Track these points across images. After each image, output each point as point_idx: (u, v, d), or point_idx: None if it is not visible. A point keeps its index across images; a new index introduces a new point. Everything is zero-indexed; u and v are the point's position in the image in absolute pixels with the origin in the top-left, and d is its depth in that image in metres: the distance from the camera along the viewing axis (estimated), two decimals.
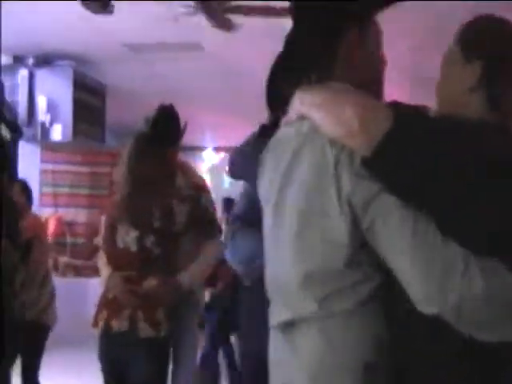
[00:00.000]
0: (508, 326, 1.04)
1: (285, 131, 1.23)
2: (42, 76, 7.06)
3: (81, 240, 8.60)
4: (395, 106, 1.11)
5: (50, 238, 8.35)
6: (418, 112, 1.15)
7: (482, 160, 1.03)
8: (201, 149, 11.12)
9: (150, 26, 5.86)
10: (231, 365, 5.51)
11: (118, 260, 2.73)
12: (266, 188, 1.26)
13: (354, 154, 1.07)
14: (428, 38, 5.42)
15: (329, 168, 1.08)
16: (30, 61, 7.03)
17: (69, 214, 8.70)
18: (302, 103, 1.16)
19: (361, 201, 1.06)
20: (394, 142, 1.03)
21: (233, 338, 5.55)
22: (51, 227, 8.48)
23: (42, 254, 4.09)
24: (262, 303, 1.45)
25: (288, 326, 1.17)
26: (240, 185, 2.36)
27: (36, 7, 5.51)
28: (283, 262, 1.18)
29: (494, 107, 1.22)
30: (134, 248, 2.69)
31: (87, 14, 5.06)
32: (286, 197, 1.17)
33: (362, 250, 1.08)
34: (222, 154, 11.41)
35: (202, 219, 2.86)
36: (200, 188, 2.94)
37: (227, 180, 11.32)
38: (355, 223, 1.07)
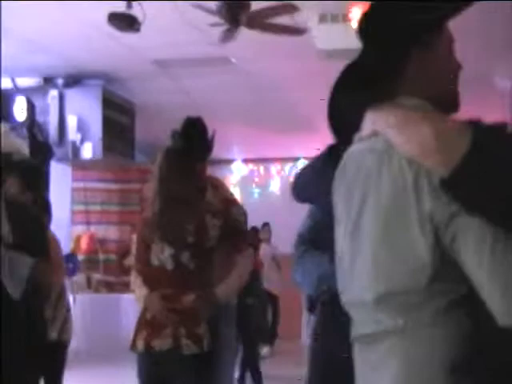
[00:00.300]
0: None
1: (358, 148, 1.23)
2: (72, 96, 7.16)
3: (113, 256, 8.66)
4: (473, 124, 1.10)
5: (82, 256, 8.45)
6: (497, 130, 1.13)
7: None
8: (229, 162, 11.16)
9: (178, 41, 5.90)
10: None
11: (154, 279, 2.71)
12: (341, 205, 1.27)
13: (431, 172, 1.07)
14: None
15: (407, 188, 1.09)
16: (60, 81, 7.15)
17: (100, 230, 8.77)
18: (375, 122, 1.16)
19: (442, 218, 1.07)
20: (473, 163, 1.03)
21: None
22: (84, 245, 8.56)
23: (56, 272, 4.11)
24: (336, 320, 1.45)
25: (368, 340, 1.19)
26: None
27: (64, 28, 5.60)
28: (360, 279, 1.19)
29: None
30: (170, 266, 2.67)
31: (114, 32, 5.12)
32: (363, 215, 1.18)
33: (444, 266, 1.09)
34: (251, 166, 11.44)
35: (233, 232, 2.85)
36: (230, 201, 2.93)
37: (256, 191, 11.33)
38: (437, 240, 1.08)
